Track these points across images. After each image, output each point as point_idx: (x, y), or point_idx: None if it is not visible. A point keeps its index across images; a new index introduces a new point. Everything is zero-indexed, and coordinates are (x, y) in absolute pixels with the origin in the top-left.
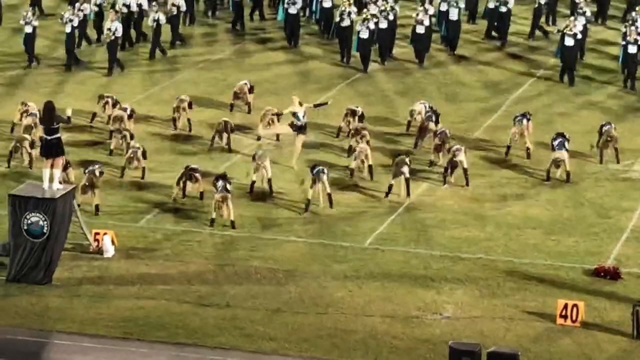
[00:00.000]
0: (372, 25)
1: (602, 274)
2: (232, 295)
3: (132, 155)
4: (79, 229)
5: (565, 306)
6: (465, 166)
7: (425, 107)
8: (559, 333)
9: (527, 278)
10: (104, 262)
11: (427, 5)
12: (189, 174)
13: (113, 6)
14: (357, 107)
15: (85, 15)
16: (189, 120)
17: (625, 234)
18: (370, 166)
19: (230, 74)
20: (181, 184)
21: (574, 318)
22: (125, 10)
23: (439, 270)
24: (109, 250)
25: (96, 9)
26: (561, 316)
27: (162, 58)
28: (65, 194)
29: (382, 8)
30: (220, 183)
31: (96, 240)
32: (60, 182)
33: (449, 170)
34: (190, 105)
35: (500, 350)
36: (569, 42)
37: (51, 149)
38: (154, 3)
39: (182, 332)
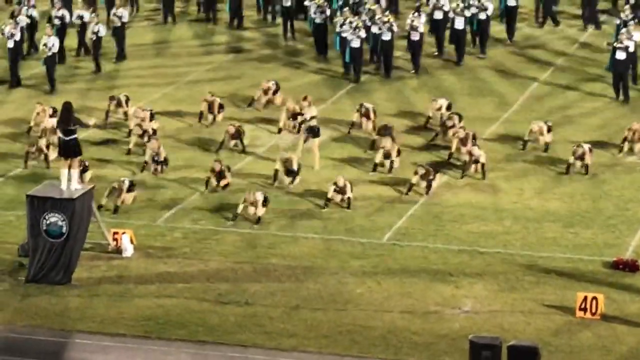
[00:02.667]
0: (363, 34)
1: (621, 266)
2: (251, 293)
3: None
4: (98, 229)
5: (585, 299)
6: (483, 161)
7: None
8: (578, 326)
9: (546, 271)
10: (122, 262)
11: (421, 13)
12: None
13: (49, 20)
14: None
15: (22, 28)
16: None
17: None
18: (392, 162)
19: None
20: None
21: (593, 311)
22: (58, 22)
23: (458, 264)
24: (128, 250)
25: (28, 20)
26: (581, 309)
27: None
28: (83, 194)
29: (385, 20)
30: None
31: (115, 239)
32: (78, 182)
33: (468, 165)
34: (221, 107)
35: (520, 344)
36: (621, 55)
37: (69, 150)
38: (94, 15)
39: (202, 330)
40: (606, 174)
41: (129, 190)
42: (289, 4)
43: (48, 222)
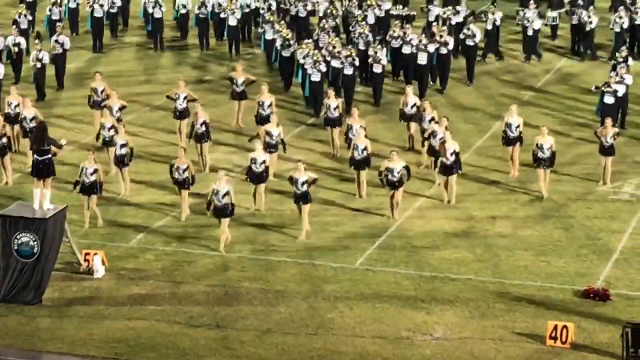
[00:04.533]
0: (323, 68)
1: (592, 295)
2: (222, 316)
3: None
4: (70, 249)
5: (555, 327)
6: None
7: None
8: (548, 354)
9: (517, 299)
10: (94, 283)
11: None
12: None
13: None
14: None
15: None
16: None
17: (614, 256)
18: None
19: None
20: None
21: (563, 339)
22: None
23: (429, 291)
24: (99, 271)
25: None
26: (551, 337)
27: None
28: (55, 214)
29: (347, 53)
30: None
31: (86, 260)
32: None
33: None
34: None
35: None
36: (609, 100)
37: (42, 170)
38: (37, 41)
39: (173, 353)
40: (578, 203)
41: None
42: (234, 22)
43: (19, 242)
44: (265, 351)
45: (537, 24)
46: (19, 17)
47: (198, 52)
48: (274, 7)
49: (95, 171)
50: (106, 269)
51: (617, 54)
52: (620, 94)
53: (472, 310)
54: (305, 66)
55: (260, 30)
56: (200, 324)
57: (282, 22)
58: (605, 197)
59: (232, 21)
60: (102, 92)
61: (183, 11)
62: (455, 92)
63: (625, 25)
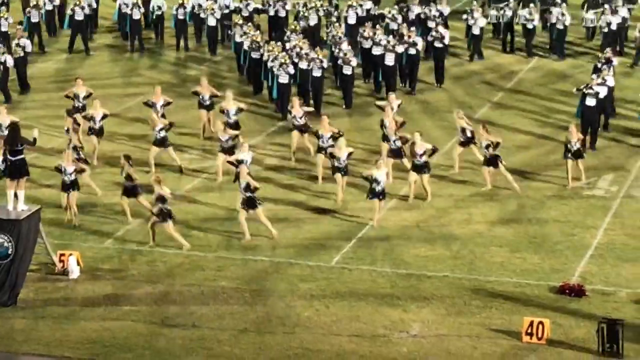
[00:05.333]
0: (291, 70)
1: (567, 291)
2: (198, 316)
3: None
4: (44, 250)
5: (531, 324)
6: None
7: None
8: (525, 351)
9: (493, 296)
10: (69, 283)
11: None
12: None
13: None
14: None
15: None
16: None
17: (589, 251)
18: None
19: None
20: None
21: (539, 335)
22: None
23: (406, 288)
24: (75, 271)
25: None
26: (527, 334)
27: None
28: (30, 215)
29: (315, 56)
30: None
31: (61, 261)
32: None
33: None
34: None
35: None
36: (590, 102)
37: (16, 170)
38: (0, 45)
39: (149, 353)
40: (553, 199)
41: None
42: (213, 23)
43: None
44: (242, 350)
45: (482, 22)
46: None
47: (175, 53)
48: (251, 8)
49: (75, 170)
50: (81, 270)
51: (600, 55)
52: (601, 96)
53: (449, 308)
54: (273, 68)
55: (229, 32)
56: (177, 323)
57: (250, 24)
58: (580, 194)
59: (212, 21)
60: (84, 98)
61: (158, 12)
62: (425, 94)
63: (614, 27)
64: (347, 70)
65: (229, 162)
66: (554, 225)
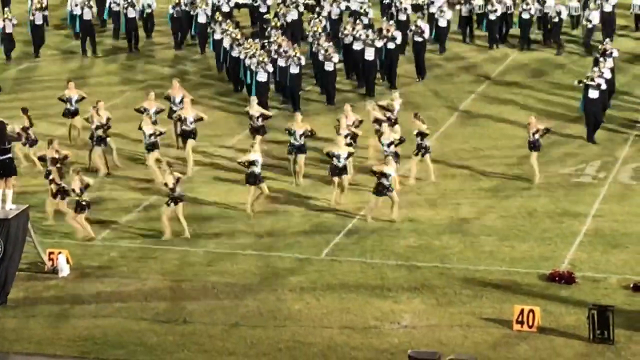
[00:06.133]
0: (270, 68)
1: (557, 278)
2: (189, 311)
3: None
4: (33, 249)
5: (522, 312)
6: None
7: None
8: (516, 339)
9: (483, 285)
10: (59, 282)
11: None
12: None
13: None
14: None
15: None
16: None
17: (578, 238)
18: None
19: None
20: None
21: (530, 323)
22: None
23: (396, 279)
24: (64, 270)
25: None
26: (518, 322)
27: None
28: (18, 214)
29: (293, 53)
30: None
31: (51, 259)
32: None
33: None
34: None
35: (459, 358)
36: (593, 94)
37: (4, 169)
38: None
39: (141, 350)
40: (541, 187)
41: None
42: (203, 20)
43: None
44: (233, 345)
45: (449, 14)
46: (4, 21)
47: (172, 51)
48: (232, 4)
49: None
50: (71, 268)
51: (600, 47)
52: (603, 87)
53: (439, 298)
54: (251, 66)
55: (209, 30)
56: (168, 319)
57: (229, 21)
58: (568, 181)
59: (202, 18)
60: (76, 101)
61: (148, 10)
62: (405, 89)
63: (563, 16)
64: (328, 67)
65: (239, 162)
66: (542, 213)
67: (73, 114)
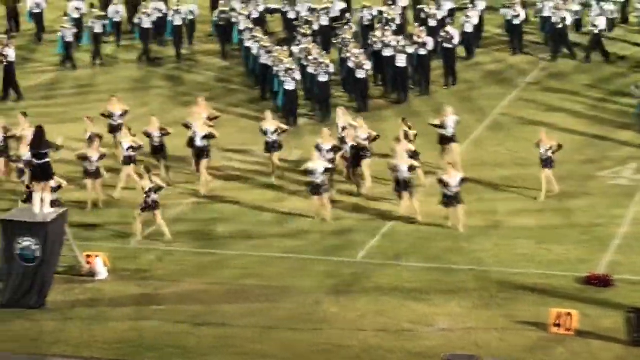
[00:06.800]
0: (297, 76)
1: (594, 281)
2: (225, 314)
3: None
4: (71, 252)
5: (559, 315)
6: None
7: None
8: (552, 342)
9: (520, 288)
10: (96, 285)
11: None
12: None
13: None
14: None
15: None
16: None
17: (615, 241)
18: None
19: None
20: None
21: (567, 327)
22: None
23: (431, 282)
24: (102, 273)
25: None
26: (555, 325)
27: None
28: (56, 218)
29: (321, 60)
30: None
31: (88, 262)
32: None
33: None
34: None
35: None
36: None
37: (42, 174)
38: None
39: (177, 352)
40: (577, 189)
41: None
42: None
43: (21, 246)
44: (268, 348)
45: (475, 20)
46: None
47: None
48: (261, 9)
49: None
50: (108, 271)
51: None
52: None
53: (475, 301)
54: (279, 74)
55: (238, 37)
56: (204, 322)
57: (259, 28)
58: (605, 183)
59: (242, 25)
60: (120, 115)
61: (191, 17)
62: (436, 95)
63: (568, 22)
64: (360, 74)
65: (304, 170)
66: (579, 216)
67: (117, 129)
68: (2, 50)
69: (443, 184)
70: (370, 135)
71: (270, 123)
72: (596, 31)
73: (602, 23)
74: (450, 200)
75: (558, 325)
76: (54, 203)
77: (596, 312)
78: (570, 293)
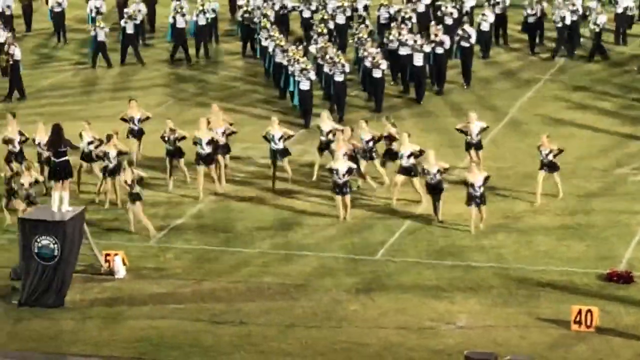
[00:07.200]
0: (312, 76)
1: (615, 278)
2: (245, 312)
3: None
4: (90, 251)
5: (579, 312)
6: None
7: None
8: (573, 339)
9: (540, 285)
10: (115, 283)
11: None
12: None
13: None
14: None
15: None
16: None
17: (636, 237)
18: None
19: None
20: None
21: (588, 323)
22: None
23: (451, 280)
24: (120, 271)
25: None
26: (575, 322)
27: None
28: (74, 216)
29: (337, 60)
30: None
31: (107, 261)
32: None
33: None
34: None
35: (516, 359)
36: None
37: (60, 172)
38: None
39: (197, 351)
40: (597, 186)
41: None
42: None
43: (40, 244)
44: (289, 346)
45: (491, 18)
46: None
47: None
48: (277, 7)
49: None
50: (127, 269)
51: None
52: None
53: (495, 298)
54: (294, 74)
55: (256, 36)
56: (223, 320)
57: (275, 27)
58: (625, 179)
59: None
60: (139, 120)
61: (212, 15)
62: (452, 94)
63: (567, 21)
64: (376, 74)
65: (327, 169)
66: (599, 212)
67: (137, 134)
68: (7, 48)
69: (467, 184)
70: (374, 137)
71: (277, 129)
72: (597, 30)
73: (603, 21)
74: (475, 199)
75: (579, 323)
76: (28, 197)
77: (617, 309)
78: (591, 290)
